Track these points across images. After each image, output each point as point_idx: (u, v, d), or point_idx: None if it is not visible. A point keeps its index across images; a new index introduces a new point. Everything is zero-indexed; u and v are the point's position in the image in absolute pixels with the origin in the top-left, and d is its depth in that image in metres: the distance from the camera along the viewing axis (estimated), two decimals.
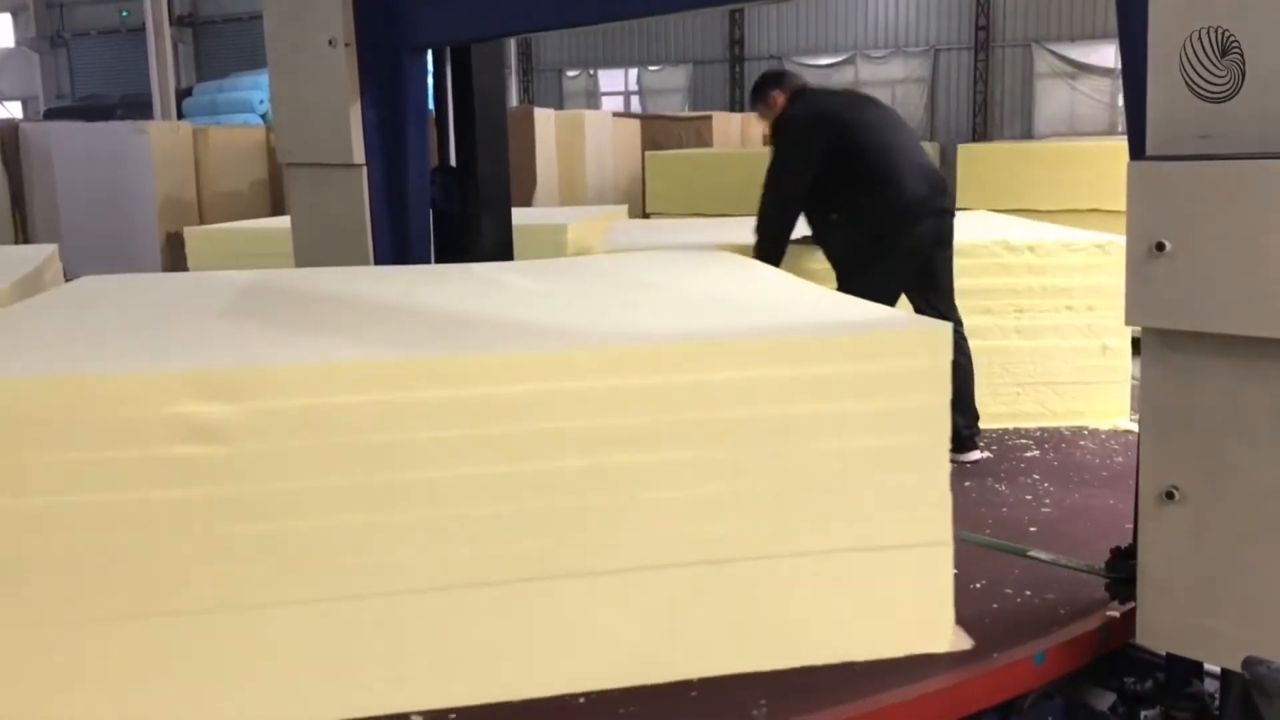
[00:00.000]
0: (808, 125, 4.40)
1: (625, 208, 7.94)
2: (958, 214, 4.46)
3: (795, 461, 2.35)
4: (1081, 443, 4.37)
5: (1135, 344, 4.46)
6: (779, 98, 4.51)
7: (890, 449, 2.38)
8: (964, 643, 2.51)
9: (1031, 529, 3.37)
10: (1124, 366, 4.59)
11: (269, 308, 3.06)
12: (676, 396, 2.28)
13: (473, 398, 2.21)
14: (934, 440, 2.41)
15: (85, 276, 3.42)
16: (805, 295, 3.06)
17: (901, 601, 2.44)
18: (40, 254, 4.36)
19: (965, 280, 4.35)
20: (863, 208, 4.30)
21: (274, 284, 3.41)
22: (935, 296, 4.18)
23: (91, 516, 2.07)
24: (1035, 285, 4.54)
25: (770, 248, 4.40)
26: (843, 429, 2.36)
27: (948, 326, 2.45)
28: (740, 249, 4.27)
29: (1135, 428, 4.45)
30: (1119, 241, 4.61)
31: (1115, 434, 4.48)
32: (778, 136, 4.47)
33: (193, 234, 6.62)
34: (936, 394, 2.39)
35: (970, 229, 4.79)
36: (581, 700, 2.28)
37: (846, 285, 4.13)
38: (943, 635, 2.49)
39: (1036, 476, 3.92)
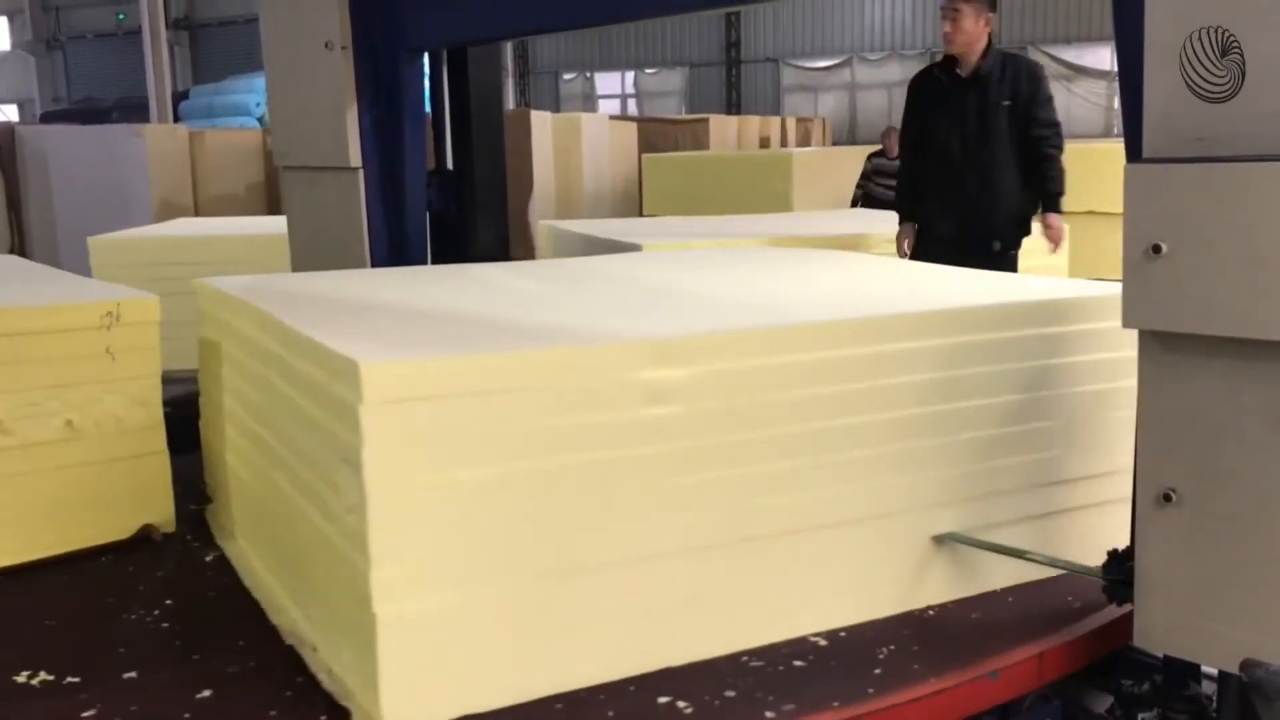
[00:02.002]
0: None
1: None
2: None
3: (1057, 404, 2.80)
4: None
5: None
6: (985, 23, 4.97)
7: (1120, 391, 2.83)
8: None
9: None
10: None
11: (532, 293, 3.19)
12: (981, 351, 2.69)
13: (858, 356, 2.55)
14: None
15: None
16: (982, 277, 3.49)
17: (1118, 514, 2.78)
18: (14, 261, 4.42)
19: None
20: (1029, 183, 4.87)
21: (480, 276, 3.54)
22: None
23: (581, 475, 2.29)
24: None
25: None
26: (1093, 376, 2.83)
27: None
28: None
29: None
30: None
31: None
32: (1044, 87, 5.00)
33: (97, 243, 5.82)
34: None
35: None
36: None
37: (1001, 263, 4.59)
38: None
39: None
